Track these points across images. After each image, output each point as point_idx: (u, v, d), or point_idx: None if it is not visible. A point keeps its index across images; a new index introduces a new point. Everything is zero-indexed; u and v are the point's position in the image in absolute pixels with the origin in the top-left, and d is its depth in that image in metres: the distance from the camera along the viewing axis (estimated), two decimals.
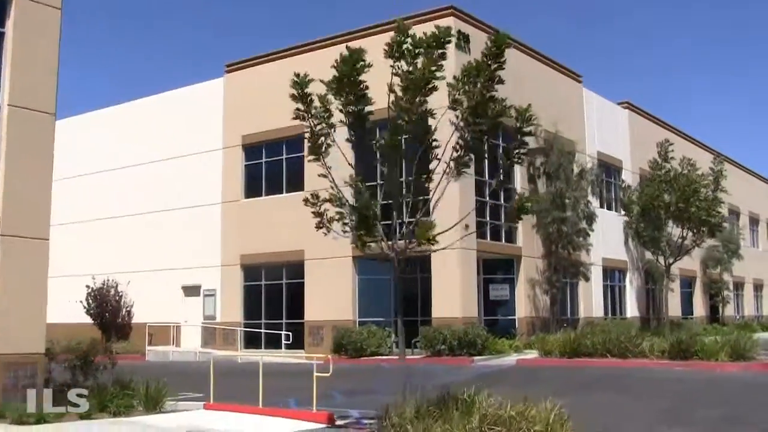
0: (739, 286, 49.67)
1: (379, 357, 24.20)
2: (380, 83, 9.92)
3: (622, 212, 35.10)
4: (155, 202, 32.50)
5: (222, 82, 31.57)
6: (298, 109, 10.00)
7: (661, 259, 32.98)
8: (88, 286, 31.83)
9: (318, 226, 10.54)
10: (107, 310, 31.89)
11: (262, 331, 28.64)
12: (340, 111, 10.12)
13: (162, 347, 29.35)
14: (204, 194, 31.14)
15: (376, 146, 10.19)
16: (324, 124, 10.07)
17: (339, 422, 11.41)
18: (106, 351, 27.31)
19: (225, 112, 31.14)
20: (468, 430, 8.75)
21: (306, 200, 10.52)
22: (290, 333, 27.26)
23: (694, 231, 31.77)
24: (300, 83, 9.83)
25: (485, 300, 27.17)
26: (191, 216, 31.31)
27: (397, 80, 9.88)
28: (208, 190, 31.05)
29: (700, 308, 43.65)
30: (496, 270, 28.00)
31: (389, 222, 10.38)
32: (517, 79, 27.58)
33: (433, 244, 9.51)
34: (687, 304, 42.16)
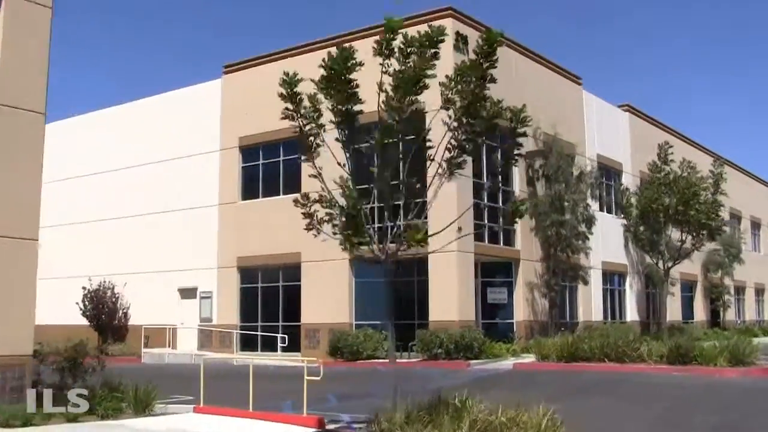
0: (740, 290, 49.45)
1: (376, 360, 24.02)
2: (376, 85, 9.75)
3: (621, 215, 34.92)
4: (152, 204, 32.37)
5: (220, 83, 31.45)
6: (287, 108, 9.84)
7: (660, 263, 32.79)
8: (84, 288, 31.69)
9: (308, 228, 10.41)
10: (104, 311, 31.72)
11: (259, 333, 28.48)
12: (331, 110, 9.96)
13: (158, 350, 29.17)
14: (201, 196, 31.00)
15: (365, 147, 10.04)
16: (313, 124, 9.91)
17: (329, 426, 11.27)
18: (101, 353, 27.36)
19: (222, 113, 31.02)
20: None
21: (296, 201, 10.38)
22: (286, 336, 27.11)
23: (694, 234, 31.58)
24: (289, 82, 9.66)
25: (483, 303, 26.98)
26: (188, 218, 31.18)
27: (389, 80, 9.74)
28: (205, 191, 30.91)
29: (700, 312, 43.42)
30: (494, 273, 27.81)
31: (380, 225, 10.23)
32: (516, 81, 27.57)
33: (422, 246, 9.35)
34: (688, 308, 41.94)
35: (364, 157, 10.37)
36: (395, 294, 28.55)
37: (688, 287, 42.13)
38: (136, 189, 33.11)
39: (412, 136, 10.06)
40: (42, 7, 12.88)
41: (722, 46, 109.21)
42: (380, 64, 9.43)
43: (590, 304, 32.07)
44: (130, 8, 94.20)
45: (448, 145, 10.12)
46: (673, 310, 38.15)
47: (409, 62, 9.57)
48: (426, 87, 9.47)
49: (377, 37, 9.52)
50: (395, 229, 9.99)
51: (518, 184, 28.68)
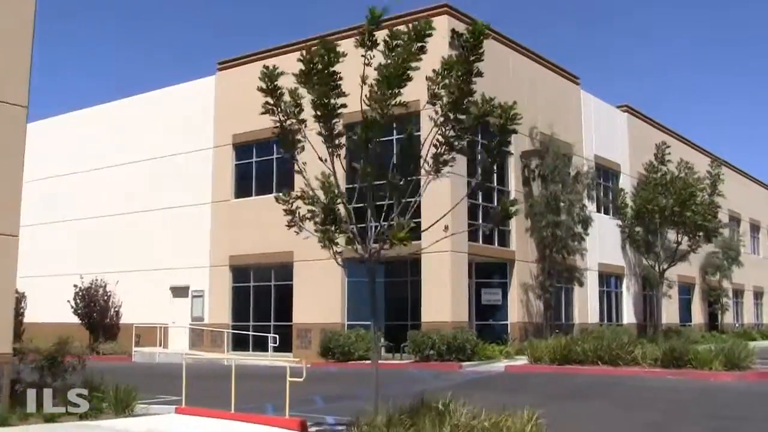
0: (738, 293, 49.16)
1: (367, 361, 23.69)
2: (359, 78, 9.49)
3: (617, 216, 34.66)
4: (144, 202, 32.09)
5: (213, 81, 31.16)
6: (267, 102, 9.57)
7: (656, 264, 32.53)
8: (75, 286, 31.41)
9: (289, 225, 10.16)
10: (95, 310, 31.48)
11: (250, 333, 28.21)
12: (312, 105, 9.68)
13: (149, 348, 28.90)
14: (194, 194, 30.72)
15: (348, 142, 9.77)
16: (294, 120, 9.64)
17: (312, 429, 11.01)
18: (92, 351, 27.11)
19: (216, 110, 30.74)
20: None
21: (277, 198, 10.12)
22: (278, 336, 26.85)
23: (690, 236, 31.31)
24: (269, 75, 9.39)
25: (477, 304, 26.71)
26: (181, 216, 30.89)
27: (374, 75, 9.46)
28: (197, 189, 30.63)
29: (698, 315, 43.13)
30: (488, 274, 27.54)
31: (362, 225, 9.96)
32: (513, 79, 27.33)
33: (405, 245, 9.08)
34: (685, 311, 41.65)
35: (348, 153, 10.10)
36: (387, 294, 28.21)
37: (686, 290, 41.85)
38: (128, 186, 32.82)
39: (400, 136, 9.79)
40: None
41: (722, 46, 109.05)
42: (362, 56, 9.16)
43: (586, 305, 31.80)
44: (125, 7, 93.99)
45: (435, 142, 9.85)
46: (670, 313, 37.87)
47: (394, 55, 9.31)
48: (410, 79, 9.20)
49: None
50: (378, 227, 9.71)
51: (514, 184, 28.40)
